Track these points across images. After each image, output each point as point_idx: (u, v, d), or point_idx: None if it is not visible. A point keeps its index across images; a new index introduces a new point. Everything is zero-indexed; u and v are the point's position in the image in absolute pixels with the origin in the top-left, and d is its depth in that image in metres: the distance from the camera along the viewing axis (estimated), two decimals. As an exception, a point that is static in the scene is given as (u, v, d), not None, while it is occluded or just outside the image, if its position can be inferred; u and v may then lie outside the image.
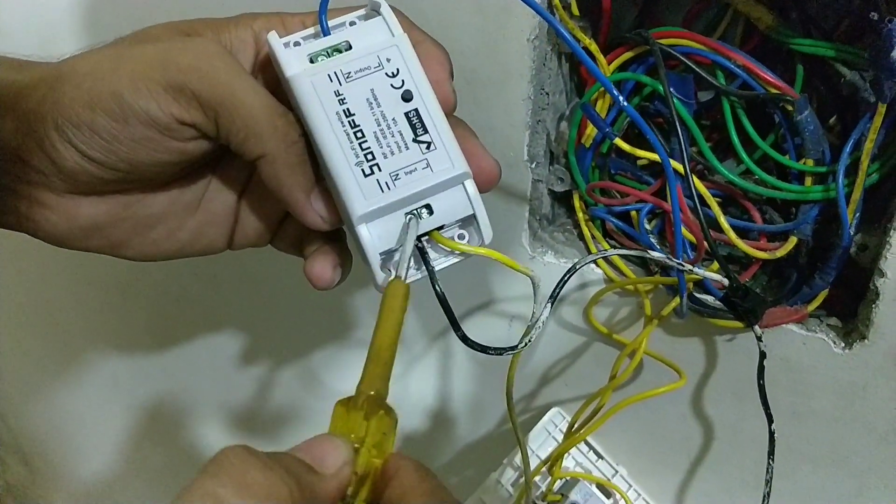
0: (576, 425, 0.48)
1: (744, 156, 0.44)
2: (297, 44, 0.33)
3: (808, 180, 0.42)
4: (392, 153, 0.31)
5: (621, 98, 0.34)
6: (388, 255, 0.32)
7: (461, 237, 0.33)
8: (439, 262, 0.33)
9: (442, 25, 0.44)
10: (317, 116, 0.31)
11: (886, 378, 0.44)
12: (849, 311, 0.45)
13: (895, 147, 0.41)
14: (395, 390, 0.29)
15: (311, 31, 0.33)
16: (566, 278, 0.36)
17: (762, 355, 0.43)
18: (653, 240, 0.47)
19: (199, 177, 0.36)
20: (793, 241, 0.44)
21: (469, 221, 0.33)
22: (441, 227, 0.33)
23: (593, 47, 0.45)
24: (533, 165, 0.48)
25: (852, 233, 0.41)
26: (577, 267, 0.36)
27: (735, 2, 0.42)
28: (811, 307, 0.44)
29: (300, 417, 0.70)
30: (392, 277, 0.31)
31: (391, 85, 0.32)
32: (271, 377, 0.70)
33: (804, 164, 0.42)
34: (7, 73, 0.32)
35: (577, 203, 0.50)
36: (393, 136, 0.32)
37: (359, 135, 0.31)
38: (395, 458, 0.28)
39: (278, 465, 0.24)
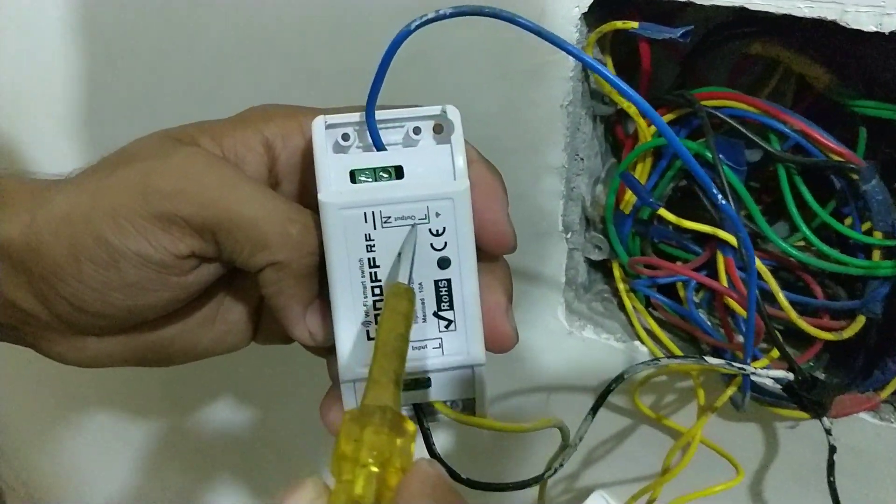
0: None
1: (803, 227, 0.39)
2: (344, 138, 0.28)
3: (876, 254, 0.38)
4: None
5: (720, 197, 0.29)
6: None
7: (454, 405, 0.30)
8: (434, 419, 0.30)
9: (461, 91, 0.41)
10: (336, 257, 0.27)
11: (972, 471, 0.39)
12: (926, 396, 0.40)
13: (976, 217, 0.37)
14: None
15: (357, 117, 0.28)
16: (612, 388, 0.32)
17: (832, 450, 0.38)
18: (702, 314, 0.43)
19: (211, 294, 0.32)
20: (861, 320, 0.39)
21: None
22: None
23: (632, 110, 0.41)
24: (568, 235, 0.45)
25: (930, 312, 0.37)
26: (626, 376, 0.32)
27: (788, 61, 0.39)
28: (884, 393, 0.40)
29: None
30: (394, 283, 0.26)
31: (431, 245, 0.28)
32: (281, 426, 0.66)
33: (872, 236, 0.38)
34: None
35: (616, 272, 0.47)
36: None
37: (377, 291, 0.28)
38: (412, 480, 0.22)
39: None
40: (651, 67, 0.41)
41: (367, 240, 0.27)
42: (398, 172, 0.28)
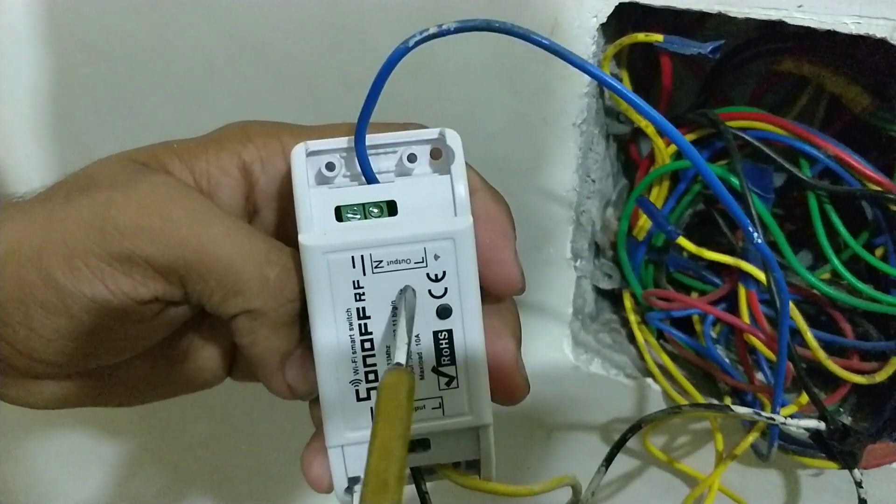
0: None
1: (835, 260, 0.36)
2: (329, 167, 0.24)
3: (914, 291, 0.35)
4: None
5: (756, 235, 0.26)
6: (355, 481, 0.25)
7: (457, 465, 0.26)
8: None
9: (469, 106, 0.38)
10: (320, 307, 0.24)
11: None
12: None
13: None
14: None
15: (344, 142, 0.25)
16: (627, 437, 0.29)
17: (862, 503, 0.35)
18: (720, 351, 0.40)
19: (180, 334, 0.28)
20: (895, 362, 0.36)
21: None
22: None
23: (650, 129, 0.38)
24: (577, 262, 0.42)
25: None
26: (644, 424, 0.28)
27: (822, 80, 0.36)
28: (919, 442, 0.36)
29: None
30: (391, 366, 0.22)
31: (429, 291, 0.24)
32: (259, 445, 0.63)
33: (910, 272, 0.35)
34: None
35: (627, 302, 0.43)
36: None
37: (366, 345, 0.24)
38: None
39: None
40: (671, 86, 0.38)
41: (355, 287, 0.24)
42: (391, 208, 0.24)
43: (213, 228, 0.23)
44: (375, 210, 0.24)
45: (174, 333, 0.27)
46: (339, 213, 0.24)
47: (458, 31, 0.23)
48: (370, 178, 0.25)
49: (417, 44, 0.23)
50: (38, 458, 0.80)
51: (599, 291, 0.46)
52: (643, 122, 0.38)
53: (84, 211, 0.23)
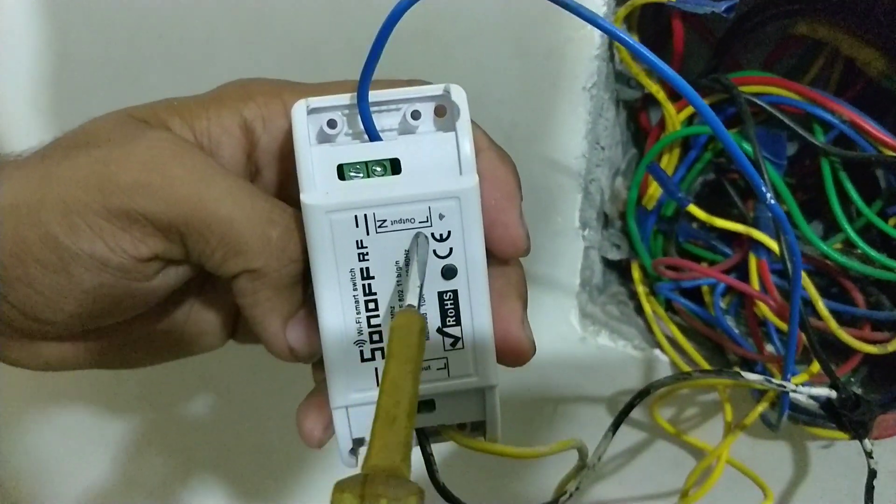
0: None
1: (848, 229, 0.36)
2: (331, 124, 0.24)
3: (929, 259, 0.35)
4: None
5: (769, 196, 0.25)
6: (360, 442, 0.25)
7: (462, 427, 0.26)
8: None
9: (475, 70, 0.37)
10: (323, 268, 0.23)
11: None
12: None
13: None
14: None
15: (346, 99, 0.24)
16: (635, 403, 0.28)
17: (872, 474, 0.35)
18: (730, 322, 0.40)
19: (181, 294, 0.28)
20: (907, 332, 0.36)
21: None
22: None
23: (661, 95, 0.37)
24: (585, 232, 0.41)
25: None
26: (653, 390, 0.28)
27: (837, 43, 0.35)
28: (931, 413, 0.36)
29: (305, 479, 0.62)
30: (404, 307, 0.22)
31: (434, 251, 0.24)
32: (262, 423, 0.63)
33: (925, 239, 0.34)
34: None
35: (635, 273, 0.43)
36: None
37: (371, 306, 0.24)
38: None
39: None
40: (683, 51, 0.37)
41: (358, 247, 0.23)
42: (394, 166, 0.24)
43: (214, 186, 0.23)
44: (378, 168, 0.24)
45: (175, 294, 0.27)
46: (342, 172, 0.24)
47: None
48: (373, 136, 0.24)
49: None
50: (42, 440, 0.80)
51: (607, 263, 0.45)
52: (654, 88, 0.37)
53: (83, 168, 0.23)
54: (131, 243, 0.23)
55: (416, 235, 0.23)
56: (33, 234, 0.22)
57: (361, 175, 0.24)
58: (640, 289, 0.42)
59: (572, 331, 0.43)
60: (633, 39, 0.22)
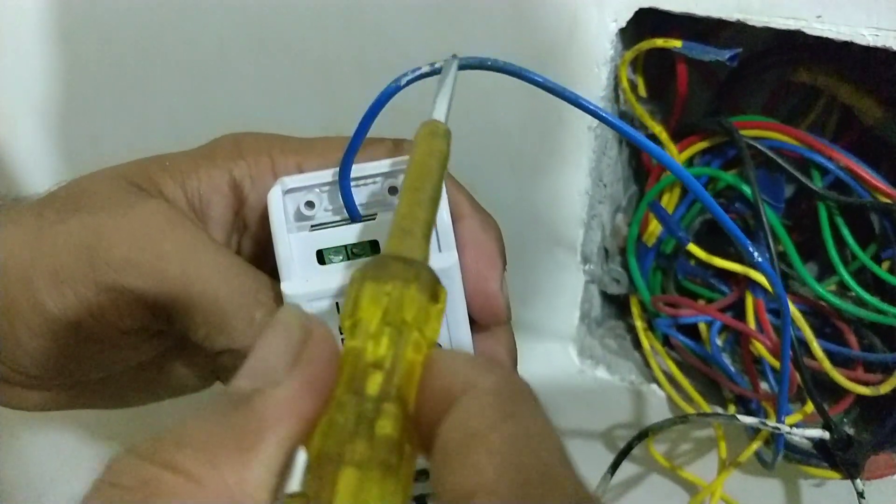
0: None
1: (843, 272, 0.37)
2: (309, 205, 0.24)
3: (922, 304, 0.36)
4: None
5: (756, 255, 0.26)
6: None
7: None
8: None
9: (485, 103, 0.38)
10: None
11: None
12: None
13: None
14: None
15: (330, 175, 0.24)
16: (633, 444, 0.29)
17: (863, 514, 0.35)
18: (726, 359, 0.40)
19: (164, 353, 0.28)
20: (900, 374, 0.36)
21: None
22: None
23: (663, 136, 0.38)
24: (586, 266, 0.42)
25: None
26: (651, 433, 0.29)
27: (835, 90, 0.36)
28: (922, 455, 0.37)
29: None
30: (428, 120, 0.22)
31: None
32: None
33: (918, 285, 0.35)
34: None
35: (634, 308, 0.44)
36: None
37: None
38: (455, 361, 0.16)
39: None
40: (686, 91, 0.38)
41: (341, 333, 0.24)
42: (374, 248, 0.24)
43: (202, 265, 0.23)
44: (358, 250, 0.24)
45: (159, 352, 0.27)
46: (322, 257, 0.24)
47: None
48: (353, 214, 0.24)
49: (409, 83, 0.24)
50: (34, 451, 0.79)
51: (606, 297, 0.46)
52: (657, 129, 0.38)
53: (74, 234, 0.23)
54: (118, 316, 0.23)
55: (454, 56, 0.24)
56: (23, 299, 0.23)
57: (342, 258, 0.24)
58: (639, 323, 0.43)
59: (571, 363, 0.43)
60: (626, 124, 0.23)
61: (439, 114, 0.22)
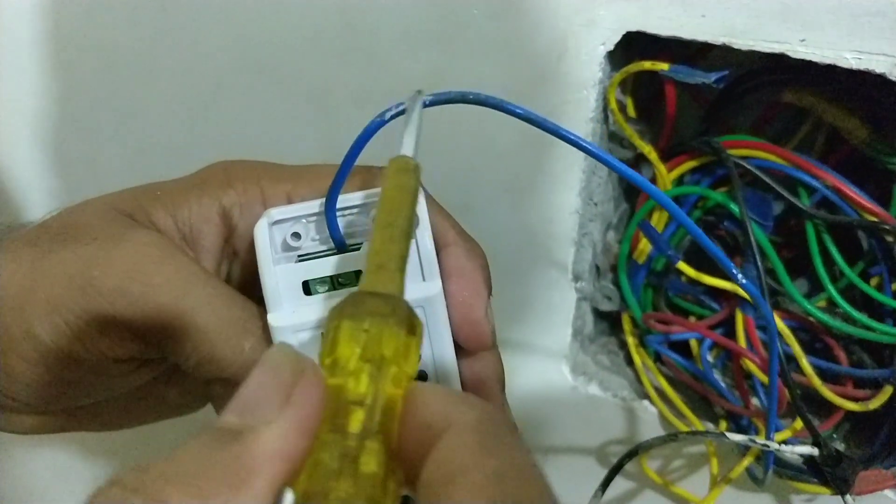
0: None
1: (831, 289, 0.37)
2: (295, 237, 0.24)
3: (908, 320, 0.36)
4: None
5: (740, 276, 0.26)
6: None
7: None
8: None
9: (479, 124, 0.38)
10: None
11: None
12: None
13: None
14: None
15: (316, 206, 0.24)
16: (624, 462, 0.29)
17: (854, 529, 0.36)
18: (717, 375, 0.41)
19: (158, 379, 0.29)
20: (888, 390, 0.37)
21: None
22: None
23: (652, 155, 0.39)
24: (577, 284, 0.42)
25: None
26: (641, 451, 0.29)
27: (821, 111, 0.36)
28: (912, 471, 0.37)
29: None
30: (397, 156, 0.22)
31: None
32: None
33: (905, 302, 0.36)
34: None
35: (626, 325, 0.44)
36: None
37: None
38: (435, 396, 0.17)
39: None
40: (675, 112, 0.39)
41: None
42: (359, 277, 0.24)
43: (192, 295, 0.24)
44: (344, 280, 0.24)
45: (151, 378, 0.28)
46: (308, 287, 0.24)
47: (433, 104, 0.24)
48: (339, 243, 0.25)
49: (393, 117, 0.24)
50: (27, 469, 0.79)
51: (598, 313, 0.47)
52: (647, 149, 0.39)
53: (67, 264, 0.24)
54: (109, 346, 0.24)
55: (419, 92, 0.24)
56: (16, 328, 0.23)
57: (328, 288, 0.24)
58: (630, 340, 0.44)
59: (563, 379, 0.44)
60: (608, 154, 0.24)
61: (407, 149, 0.22)
